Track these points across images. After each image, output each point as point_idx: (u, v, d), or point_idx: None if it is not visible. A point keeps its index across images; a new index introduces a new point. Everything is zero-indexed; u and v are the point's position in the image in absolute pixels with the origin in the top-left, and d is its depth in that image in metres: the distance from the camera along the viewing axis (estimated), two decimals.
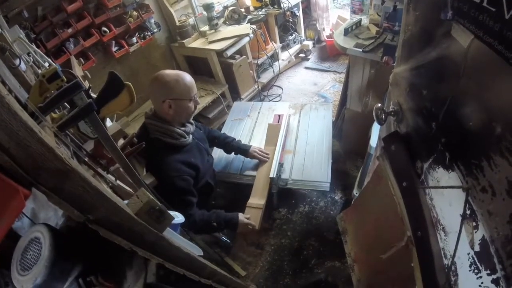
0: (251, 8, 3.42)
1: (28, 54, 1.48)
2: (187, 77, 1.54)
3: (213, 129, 2.12)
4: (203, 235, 1.83)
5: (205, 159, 1.78)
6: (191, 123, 1.68)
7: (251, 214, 1.75)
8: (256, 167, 1.99)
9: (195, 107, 1.63)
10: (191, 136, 1.65)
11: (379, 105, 0.97)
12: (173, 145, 1.56)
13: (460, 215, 0.62)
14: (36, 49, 1.63)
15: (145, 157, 1.67)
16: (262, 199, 1.81)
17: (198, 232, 1.70)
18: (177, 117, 1.57)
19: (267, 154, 2.00)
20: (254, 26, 3.09)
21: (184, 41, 3.01)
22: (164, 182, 1.52)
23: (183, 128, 1.60)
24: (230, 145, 1.99)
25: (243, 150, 1.99)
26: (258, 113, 2.48)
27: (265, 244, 2.02)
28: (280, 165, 1.94)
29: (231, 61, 3.02)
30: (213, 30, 3.09)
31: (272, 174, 1.84)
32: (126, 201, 0.79)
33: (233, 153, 2.04)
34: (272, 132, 2.12)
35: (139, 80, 3.09)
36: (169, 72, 1.53)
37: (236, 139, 2.05)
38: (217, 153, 2.15)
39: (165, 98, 1.48)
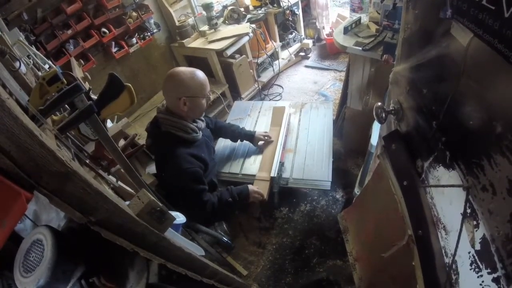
0: (251, 7, 3.41)
1: (28, 56, 1.49)
2: (201, 75, 1.58)
3: (218, 120, 2.18)
4: (205, 235, 1.83)
5: (212, 156, 1.85)
6: (201, 120, 1.73)
7: (259, 186, 1.85)
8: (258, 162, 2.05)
9: (207, 104, 1.67)
10: (201, 132, 1.70)
11: (380, 103, 0.97)
12: (184, 140, 1.60)
13: (461, 214, 0.62)
14: (36, 51, 1.63)
15: (154, 150, 1.72)
16: (269, 173, 1.90)
17: (218, 214, 1.74)
18: (191, 114, 1.61)
19: (270, 137, 2.11)
20: (253, 25, 3.09)
21: (184, 41, 3.01)
22: (176, 174, 1.56)
23: (195, 124, 1.65)
24: (237, 133, 2.08)
25: (249, 136, 2.09)
26: (259, 112, 2.48)
27: (266, 243, 2.02)
28: (281, 164, 1.94)
29: (231, 60, 3.02)
30: (212, 30, 3.09)
31: (273, 173, 1.85)
32: (127, 202, 0.80)
33: (239, 140, 2.13)
34: (277, 113, 2.31)
35: (139, 81, 3.09)
36: (184, 70, 1.56)
37: (241, 126, 2.14)
38: (217, 153, 2.15)
39: (180, 96, 1.52)
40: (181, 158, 1.55)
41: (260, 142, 2.11)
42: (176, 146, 1.57)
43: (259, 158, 2.04)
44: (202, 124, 1.72)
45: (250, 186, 1.81)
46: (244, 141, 2.17)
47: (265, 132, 2.13)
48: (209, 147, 1.81)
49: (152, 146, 1.68)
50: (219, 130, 2.07)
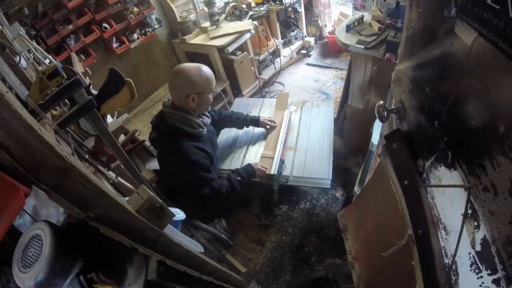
0: (253, 4, 3.40)
1: (29, 51, 1.48)
2: (208, 70, 1.59)
3: (222, 110, 2.21)
4: (204, 232, 1.83)
5: (215, 152, 1.87)
6: (207, 116, 1.75)
7: (264, 162, 1.92)
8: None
9: (214, 97, 1.69)
10: (206, 128, 1.71)
11: (381, 102, 0.97)
12: (190, 134, 1.61)
13: (462, 214, 0.61)
14: (37, 46, 1.62)
15: (158, 144, 1.72)
16: (273, 151, 2.00)
17: (232, 197, 1.75)
18: (198, 109, 1.62)
19: (275, 122, 2.18)
20: (255, 22, 3.07)
21: (185, 37, 3.00)
22: (186, 166, 1.57)
23: (200, 119, 1.66)
24: (242, 119, 2.11)
25: (255, 120, 2.14)
26: (259, 109, 2.47)
27: (265, 241, 2.02)
28: (281, 161, 1.94)
29: (233, 57, 3.01)
30: (214, 26, 3.07)
31: (273, 170, 1.85)
32: (126, 198, 0.79)
33: (244, 126, 2.16)
34: (282, 99, 2.44)
35: (140, 76, 3.09)
36: (191, 66, 1.57)
37: (245, 114, 2.18)
38: (218, 149, 2.15)
39: (189, 93, 1.53)
40: (188, 150, 1.56)
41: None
42: (181, 139, 1.58)
43: (259, 155, 2.04)
44: (207, 120, 1.73)
45: (253, 163, 1.87)
46: (245, 138, 2.18)
47: (270, 118, 2.18)
48: (213, 143, 1.83)
49: (157, 140, 1.68)
50: (224, 119, 2.08)
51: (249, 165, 1.85)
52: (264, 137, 2.15)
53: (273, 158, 1.93)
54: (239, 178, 1.75)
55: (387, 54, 1.65)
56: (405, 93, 0.91)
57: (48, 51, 2.16)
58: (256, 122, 2.13)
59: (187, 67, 1.56)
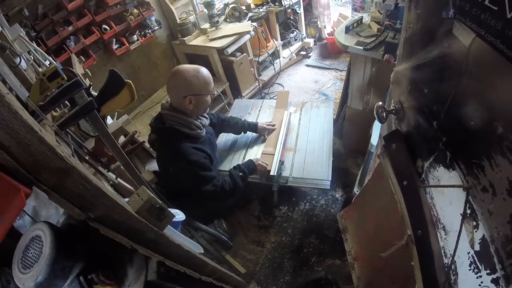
0: (252, 6, 3.41)
1: (29, 52, 1.48)
2: (206, 72, 1.60)
3: (220, 114, 2.21)
4: (204, 233, 1.83)
5: (215, 154, 1.87)
6: (205, 117, 1.75)
7: (265, 159, 1.94)
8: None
9: (212, 100, 1.70)
10: (204, 129, 1.72)
11: (380, 103, 0.97)
12: (189, 135, 1.62)
13: (461, 214, 0.61)
14: (37, 47, 1.63)
15: (157, 146, 1.72)
16: (274, 148, 2.02)
17: (235, 192, 1.76)
18: (195, 111, 1.62)
19: (274, 125, 2.18)
20: (255, 24, 3.08)
21: (184, 38, 3.01)
22: (186, 167, 1.57)
23: (199, 120, 1.67)
24: (240, 125, 2.11)
25: (253, 126, 2.13)
26: (259, 110, 2.47)
27: (265, 242, 2.02)
28: (281, 162, 1.94)
29: (232, 58, 3.02)
30: (214, 28, 3.08)
31: (273, 171, 1.85)
32: (126, 199, 0.80)
33: (242, 132, 2.16)
34: (282, 97, 2.48)
35: (140, 78, 3.09)
36: (188, 67, 1.57)
37: (244, 115, 2.20)
38: (218, 151, 2.15)
39: (186, 94, 1.54)
40: (187, 152, 1.57)
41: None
42: (180, 141, 1.58)
43: (259, 156, 2.04)
44: (206, 121, 1.73)
45: (254, 159, 1.88)
46: (244, 139, 2.18)
47: (268, 122, 2.17)
48: (212, 145, 1.83)
49: (156, 142, 1.69)
50: (222, 123, 2.08)
51: (250, 161, 1.85)
52: (263, 139, 2.15)
53: (274, 154, 1.94)
54: (240, 173, 1.76)
55: (386, 55, 1.65)
56: (404, 94, 0.91)
57: (48, 53, 2.17)
58: (254, 127, 2.12)
59: (184, 68, 1.56)
